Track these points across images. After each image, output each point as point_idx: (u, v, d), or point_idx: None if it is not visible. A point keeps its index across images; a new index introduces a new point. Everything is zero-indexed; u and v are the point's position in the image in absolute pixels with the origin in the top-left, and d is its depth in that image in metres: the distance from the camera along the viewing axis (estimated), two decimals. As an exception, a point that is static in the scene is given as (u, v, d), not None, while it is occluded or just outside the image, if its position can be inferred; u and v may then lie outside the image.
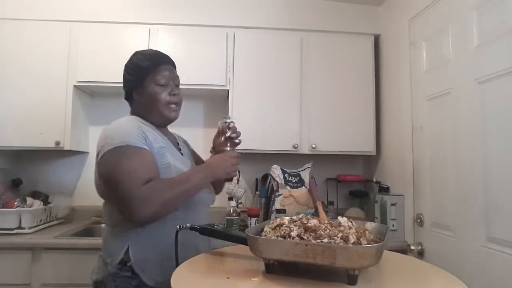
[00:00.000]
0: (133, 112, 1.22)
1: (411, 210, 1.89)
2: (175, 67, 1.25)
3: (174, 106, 1.18)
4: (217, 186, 1.33)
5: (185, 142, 1.38)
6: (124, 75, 1.21)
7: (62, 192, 2.32)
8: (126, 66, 1.21)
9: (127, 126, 1.08)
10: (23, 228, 1.88)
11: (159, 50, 1.25)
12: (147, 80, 1.16)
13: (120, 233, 1.06)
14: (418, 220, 1.82)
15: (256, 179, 2.42)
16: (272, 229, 0.80)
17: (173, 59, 1.25)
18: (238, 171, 1.25)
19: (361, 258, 0.65)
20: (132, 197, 0.96)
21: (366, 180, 2.41)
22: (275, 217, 1.12)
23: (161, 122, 1.19)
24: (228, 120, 1.25)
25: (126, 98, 1.24)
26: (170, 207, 1.02)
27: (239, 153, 1.21)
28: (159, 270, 1.02)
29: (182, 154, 1.22)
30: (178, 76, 1.23)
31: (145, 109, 1.18)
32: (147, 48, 1.27)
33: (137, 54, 1.21)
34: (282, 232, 0.76)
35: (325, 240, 0.71)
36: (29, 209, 1.94)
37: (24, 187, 2.20)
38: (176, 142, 1.27)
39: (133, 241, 1.04)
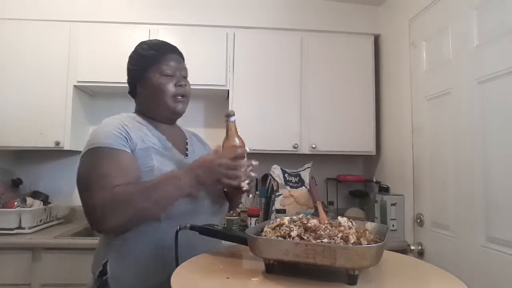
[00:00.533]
0: (136, 108, 1.14)
1: (411, 210, 1.89)
2: (182, 58, 1.15)
3: (181, 98, 1.08)
4: (230, 198, 1.13)
5: (202, 143, 1.25)
6: (127, 67, 1.13)
7: (62, 192, 2.32)
8: (129, 56, 1.13)
9: (109, 126, 0.99)
10: (23, 228, 1.88)
11: (165, 40, 1.17)
12: (151, 70, 1.07)
13: (104, 242, 1.00)
14: (418, 220, 1.82)
15: (256, 179, 2.42)
16: (272, 229, 0.80)
17: None
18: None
19: (361, 258, 0.65)
20: (95, 205, 0.88)
21: (366, 180, 2.41)
22: (275, 217, 1.11)
23: (166, 117, 1.10)
24: (232, 119, 1.03)
25: (130, 93, 1.15)
26: (138, 218, 0.90)
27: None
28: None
29: (186, 156, 1.10)
30: (185, 67, 1.14)
31: (148, 103, 1.09)
32: (152, 38, 1.20)
33: (141, 44, 1.13)
34: (282, 232, 0.75)
35: (325, 240, 0.71)
36: (29, 209, 1.94)
37: (24, 187, 2.21)
38: (184, 142, 1.15)
39: (113, 254, 0.96)
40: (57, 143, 2.09)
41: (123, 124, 1.00)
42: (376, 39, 2.37)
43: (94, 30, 2.16)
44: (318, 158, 2.34)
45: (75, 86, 2.15)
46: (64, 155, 2.37)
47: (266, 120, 2.20)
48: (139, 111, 1.12)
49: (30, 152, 2.32)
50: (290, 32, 2.28)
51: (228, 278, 0.72)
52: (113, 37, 2.17)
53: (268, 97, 2.23)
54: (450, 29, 1.63)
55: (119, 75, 2.17)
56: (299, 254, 0.68)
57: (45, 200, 2.13)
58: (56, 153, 2.35)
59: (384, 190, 2.15)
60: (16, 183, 2.16)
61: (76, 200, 2.36)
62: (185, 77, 1.12)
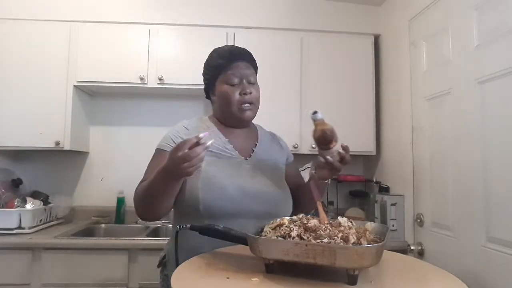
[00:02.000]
0: (213, 111, 1.19)
1: (411, 210, 1.89)
2: (252, 62, 1.15)
3: (247, 105, 1.09)
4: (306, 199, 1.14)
5: (278, 145, 1.26)
6: (202, 75, 1.18)
7: (62, 192, 2.32)
8: (204, 65, 1.17)
9: (171, 130, 1.11)
10: (23, 228, 1.88)
11: (237, 46, 1.17)
12: (219, 80, 1.11)
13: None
14: (418, 220, 1.82)
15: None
16: (272, 229, 0.80)
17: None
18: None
19: (361, 258, 0.65)
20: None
21: (366, 180, 2.41)
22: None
23: (235, 123, 1.14)
24: (319, 116, 1.02)
25: (207, 98, 1.21)
26: (148, 209, 0.99)
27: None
28: None
29: (247, 158, 1.11)
30: (253, 73, 1.13)
31: (219, 110, 1.14)
32: (224, 45, 1.20)
33: (212, 53, 1.16)
34: (282, 232, 0.75)
35: (325, 240, 0.71)
36: (29, 209, 1.94)
37: (24, 187, 2.21)
38: (252, 144, 1.16)
39: (170, 242, 1.11)
40: (57, 143, 2.08)
41: (183, 127, 1.11)
42: (376, 39, 2.37)
43: (94, 30, 2.16)
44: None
45: (75, 86, 2.14)
46: (64, 155, 2.37)
47: (266, 120, 2.18)
48: (214, 116, 1.19)
49: (30, 152, 2.32)
50: (290, 32, 2.28)
51: (228, 278, 0.72)
52: (113, 37, 2.17)
53: (268, 97, 2.22)
54: (450, 29, 1.63)
55: (119, 75, 2.21)
56: (299, 254, 0.68)
57: (45, 200, 2.13)
58: (56, 153, 2.35)
59: (384, 190, 2.15)
60: (16, 183, 2.16)
61: (76, 200, 2.38)
62: (253, 83, 1.13)
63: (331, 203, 2.35)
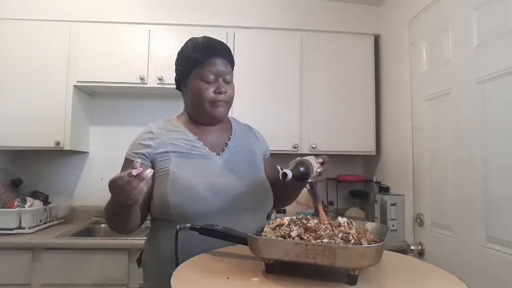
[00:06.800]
0: (184, 106, 1.15)
1: (411, 210, 1.89)
2: (229, 58, 1.09)
3: (220, 102, 1.05)
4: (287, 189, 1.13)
5: (256, 138, 1.22)
6: (175, 65, 1.12)
7: (62, 192, 2.32)
8: (178, 54, 1.11)
9: (137, 136, 1.07)
10: (23, 228, 1.89)
11: (214, 38, 1.12)
12: (193, 73, 1.05)
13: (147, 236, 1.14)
14: (418, 220, 1.82)
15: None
16: (272, 229, 0.80)
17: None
18: None
19: (361, 258, 0.65)
20: None
21: (366, 180, 2.41)
22: (275, 217, 1.11)
23: (206, 121, 1.09)
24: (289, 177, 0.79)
25: (177, 89, 1.16)
26: (114, 227, 1.00)
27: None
28: (155, 277, 1.04)
29: (220, 154, 1.07)
30: (230, 71, 1.08)
31: (190, 104, 1.10)
32: (202, 36, 1.14)
33: (188, 42, 1.10)
34: (282, 232, 0.75)
35: (325, 240, 0.71)
36: (29, 209, 1.94)
37: (24, 187, 2.21)
38: (225, 139, 1.12)
39: (145, 245, 1.12)
40: (57, 143, 2.09)
41: (148, 132, 1.06)
42: (376, 39, 2.37)
43: (94, 30, 2.16)
44: (318, 158, 2.34)
45: (75, 86, 2.15)
46: (64, 155, 2.37)
47: (266, 120, 2.20)
48: (184, 110, 1.15)
49: (30, 152, 2.32)
50: (290, 32, 2.28)
51: (228, 278, 0.72)
52: (113, 37, 2.17)
53: (268, 97, 2.23)
54: (450, 29, 1.63)
55: (119, 75, 2.21)
56: (299, 254, 0.68)
57: (45, 200, 2.13)
58: (56, 153, 2.35)
59: (384, 190, 2.15)
60: (16, 183, 2.16)
61: (76, 200, 2.37)
62: (229, 82, 1.08)
63: (331, 203, 2.35)
